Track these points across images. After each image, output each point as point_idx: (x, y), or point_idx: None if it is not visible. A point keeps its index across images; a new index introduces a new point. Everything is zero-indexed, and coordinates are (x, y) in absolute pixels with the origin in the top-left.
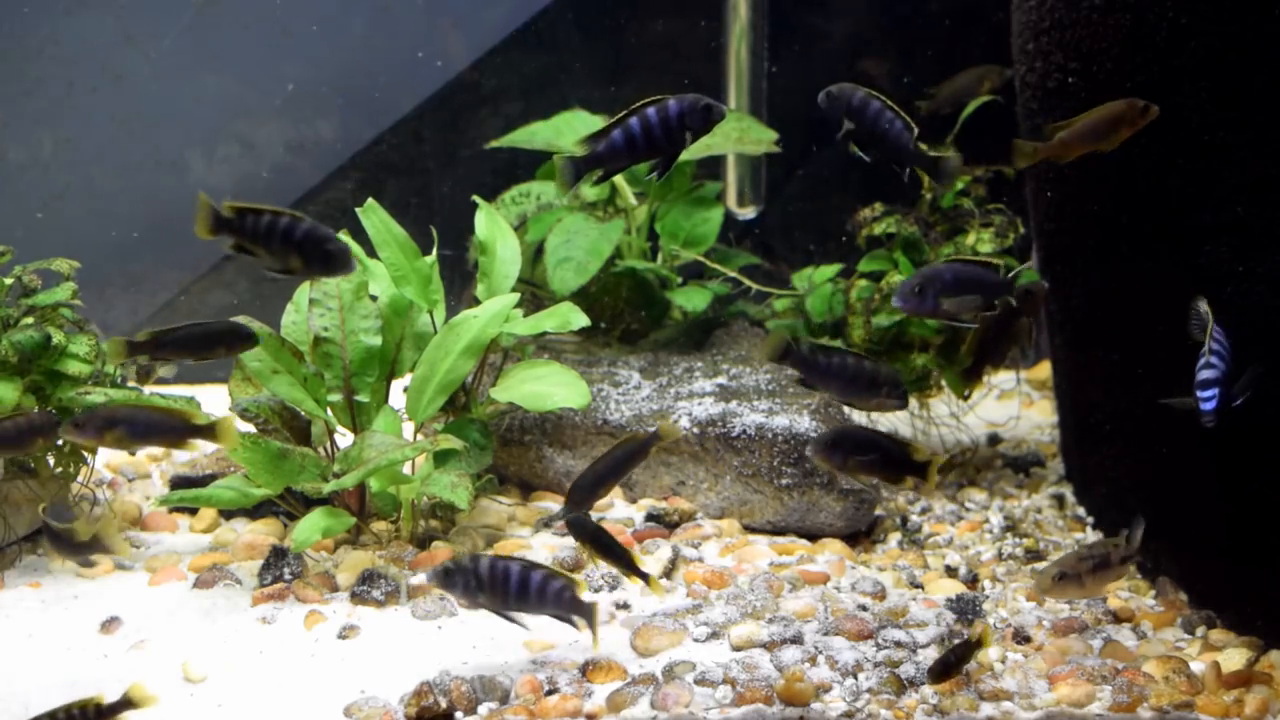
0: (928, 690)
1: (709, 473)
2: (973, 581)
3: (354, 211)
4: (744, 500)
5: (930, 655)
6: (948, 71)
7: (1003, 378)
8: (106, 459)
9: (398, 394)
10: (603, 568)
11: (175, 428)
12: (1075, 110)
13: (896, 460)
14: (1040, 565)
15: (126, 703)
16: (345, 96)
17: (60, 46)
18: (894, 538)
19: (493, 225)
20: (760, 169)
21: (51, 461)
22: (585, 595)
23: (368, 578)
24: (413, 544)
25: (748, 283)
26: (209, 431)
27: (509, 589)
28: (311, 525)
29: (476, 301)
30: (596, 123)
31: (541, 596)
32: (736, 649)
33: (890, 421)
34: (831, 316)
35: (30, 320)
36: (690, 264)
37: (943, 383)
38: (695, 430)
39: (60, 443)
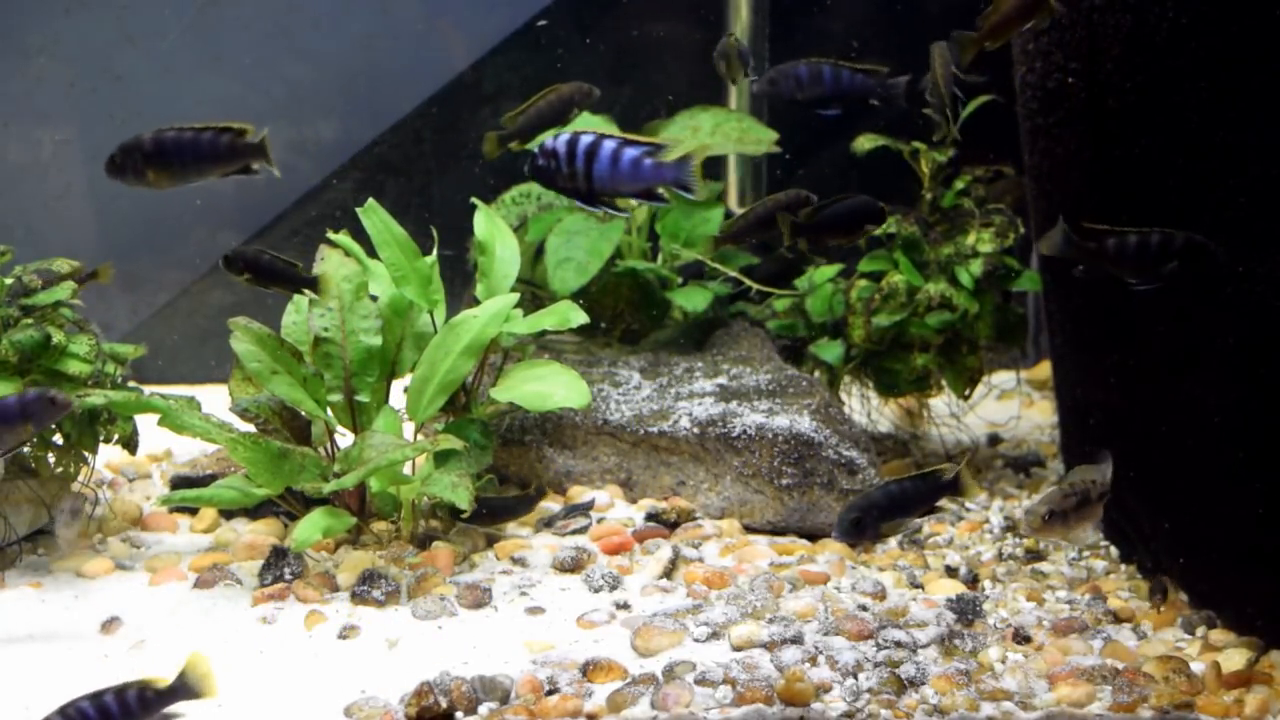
0: (928, 690)
1: (709, 473)
2: (973, 581)
3: (354, 211)
4: (744, 500)
5: (931, 655)
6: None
7: (1003, 378)
8: (107, 459)
9: (398, 394)
10: (603, 567)
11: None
12: (1076, 110)
13: (925, 493)
14: (1040, 565)
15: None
16: (345, 96)
17: (60, 46)
18: (894, 538)
19: (491, 226)
20: (761, 169)
21: (52, 461)
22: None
23: (368, 578)
24: (413, 544)
25: (748, 283)
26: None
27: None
28: (313, 525)
29: (476, 301)
30: (598, 123)
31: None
32: (737, 649)
33: (890, 423)
34: (831, 316)
35: (30, 320)
36: (691, 264)
37: (943, 382)
38: (695, 430)
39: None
